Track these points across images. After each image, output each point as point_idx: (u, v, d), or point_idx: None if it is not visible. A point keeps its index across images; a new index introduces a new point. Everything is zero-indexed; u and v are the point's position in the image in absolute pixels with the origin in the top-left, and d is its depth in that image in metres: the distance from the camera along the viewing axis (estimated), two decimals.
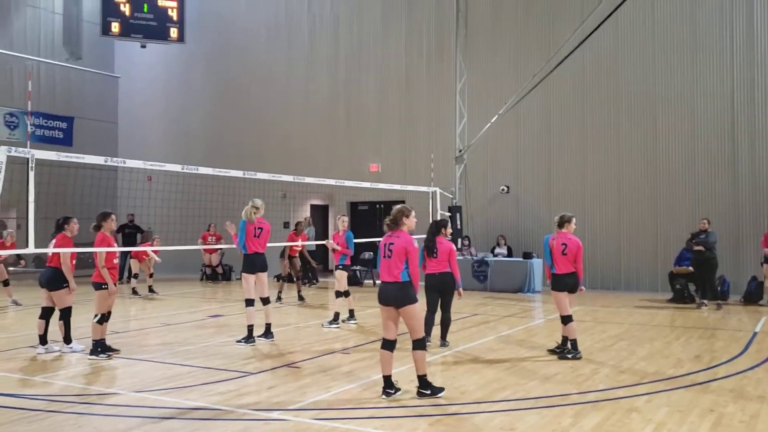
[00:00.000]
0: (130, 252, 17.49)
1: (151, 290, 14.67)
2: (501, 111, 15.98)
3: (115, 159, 8.04)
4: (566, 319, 7.68)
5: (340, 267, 10.26)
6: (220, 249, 18.50)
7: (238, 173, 10.02)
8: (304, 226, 14.48)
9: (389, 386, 5.92)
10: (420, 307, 5.89)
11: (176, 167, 8.88)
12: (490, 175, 17.22)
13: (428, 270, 7.99)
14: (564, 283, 7.62)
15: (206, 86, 21.80)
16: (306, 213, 20.16)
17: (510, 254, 16.14)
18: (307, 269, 16.70)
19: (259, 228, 8.68)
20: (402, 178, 17.93)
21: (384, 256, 5.95)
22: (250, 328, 8.56)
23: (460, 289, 8.10)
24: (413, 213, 6.09)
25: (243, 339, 8.57)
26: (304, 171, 16.91)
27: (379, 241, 6.25)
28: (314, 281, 16.98)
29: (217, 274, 18.77)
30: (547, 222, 15.52)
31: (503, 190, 16.90)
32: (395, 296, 5.87)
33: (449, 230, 8.39)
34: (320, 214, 21.62)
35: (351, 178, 15.35)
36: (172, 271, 20.43)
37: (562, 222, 7.82)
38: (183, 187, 15.62)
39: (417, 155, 18.19)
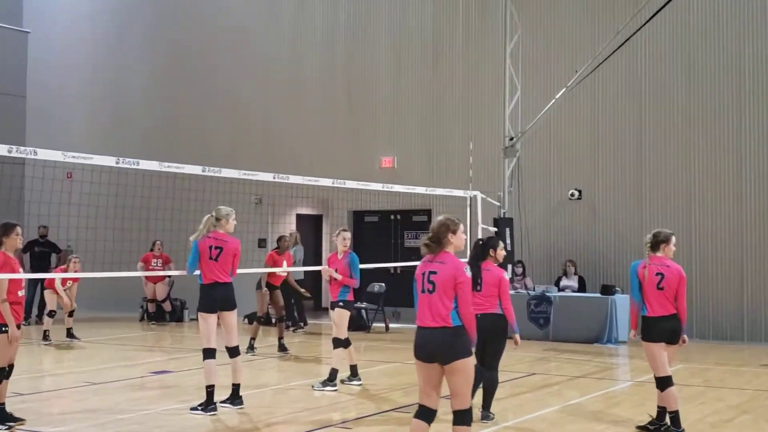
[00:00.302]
0: (42, 280, 17.65)
1: (70, 335, 14.68)
2: (570, 82, 15.96)
3: (22, 148, 7.97)
4: (663, 383, 7.55)
5: (340, 304, 10.26)
6: (169, 277, 18.53)
7: (196, 170, 9.99)
8: (289, 243, 14.45)
9: None
10: (473, 363, 5.83)
11: (108, 160, 8.89)
12: (555, 173, 17.21)
13: None
14: (660, 329, 7.51)
15: (151, 50, 21.97)
16: (291, 226, 20.17)
17: (583, 288, 16.08)
18: (293, 306, 16.68)
19: (217, 248, 8.65)
20: (427, 178, 17.94)
21: (423, 291, 5.87)
22: (210, 390, 8.50)
23: (517, 336, 8.06)
24: (462, 227, 5.98)
25: (200, 406, 8.52)
26: (288, 167, 16.92)
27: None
28: (302, 324, 16.97)
29: (164, 313, 18.81)
30: (636, 242, 15.45)
31: (573, 195, 16.89)
32: (442, 347, 5.73)
33: (501, 252, 8.27)
34: (311, 228, 21.66)
35: (354, 178, 15.32)
36: (101, 308, 20.52)
37: (657, 242, 7.69)
38: (117, 189, 15.65)
39: (448, 145, 18.23)
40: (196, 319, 18.76)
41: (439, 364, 5.74)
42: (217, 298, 8.61)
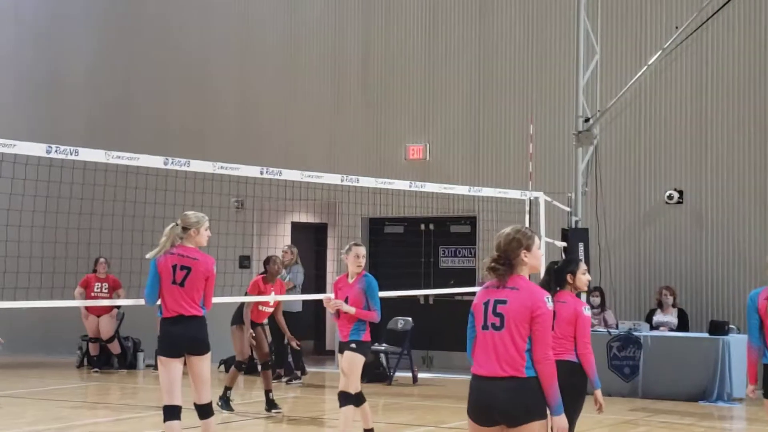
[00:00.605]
0: None
1: None
2: (668, 43, 16.04)
3: None
4: None
5: (352, 346, 10.42)
6: (118, 308, 18.82)
7: (155, 161, 10.22)
8: (280, 265, 14.74)
9: None
10: (547, 428, 5.91)
11: (37, 149, 9.09)
12: (646, 167, 17.27)
13: None
14: None
15: (98, 14, 22.25)
16: (285, 239, 20.42)
17: (684, 325, 16.12)
18: (286, 348, 16.91)
19: (183, 267, 8.82)
20: (471, 173, 18.05)
21: (486, 327, 5.90)
22: None
23: (598, 393, 8.13)
24: (538, 242, 6.08)
25: None
26: (280, 160, 17.17)
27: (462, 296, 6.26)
28: (298, 373, 17.19)
29: (111, 356, 19.09)
30: (760, 262, 15.49)
31: (671, 198, 16.98)
32: (511, 405, 5.76)
33: (583, 278, 8.29)
34: (311, 242, 21.81)
35: (372, 174, 15.54)
36: (25, 350, 20.74)
37: None
38: (50, 187, 15.93)
39: (500, 129, 18.32)
40: (155, 366, 19.06)
41: (504, 426, 5.78)
42: (182, 336, 8.75)
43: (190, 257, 8.85)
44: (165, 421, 8.73)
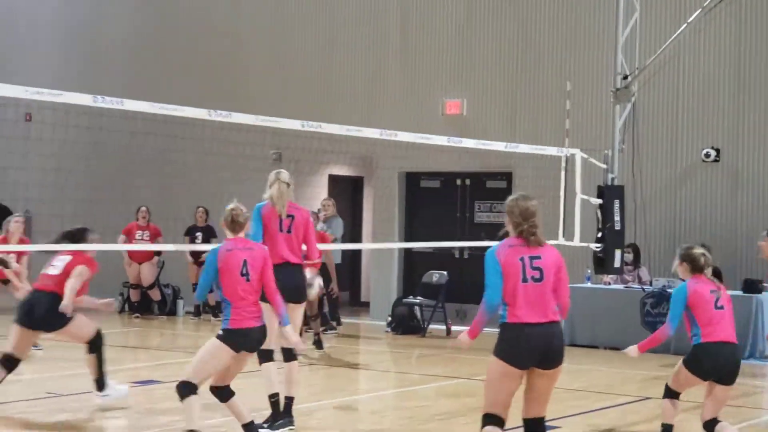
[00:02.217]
0: None
1: None
2: (707, 2, 15.84)
3: None
4: None
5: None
6: (157, 255, 18.85)
7: (199, 113, 10.20)
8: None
9: None
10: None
11: (82, 98, 9.09)
12: (684, 125, 17.15)
13: None
14: None
15: None
16: (322, 192, 20.37)
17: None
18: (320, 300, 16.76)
19: (289, 216, 8.93)
20: (508, 129, 17.94)
21: (526, 280, 6.55)
22: (274, 400, 8.78)
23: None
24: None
25: (265, 423, 8.71)
26: (318, 113, 17.10)
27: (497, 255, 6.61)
28: (333, 324, 17.17)
29: (151, 303, 19.21)
30: None
31: (708, 156, 16.85)
32: (556, 348, 6.62)
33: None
34: (347, 194, 21.81)
35: (409, 128, 15.44)
36: None
37: None
38: (91, 137, 15.98)
39: (537, 85, 18.20)
40: (194, 313, 19.03)
41: (539, 368, 6.54)
42: (286, 283, 8.59)
43: (293, 207, 9.14)
44: (261, 362, 8.77)
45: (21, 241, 13.78)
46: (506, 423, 6.71)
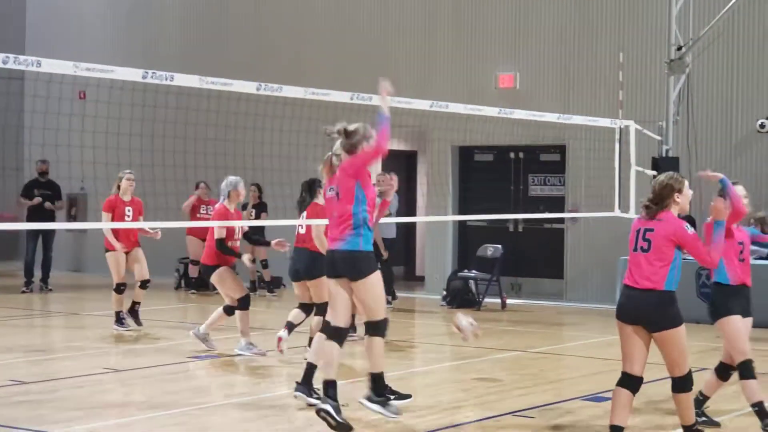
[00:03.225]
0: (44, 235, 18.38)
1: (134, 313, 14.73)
2: None
3: (21, 58, 8.23)
4: None
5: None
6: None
7: (248, 87, 10.20)
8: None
9: None
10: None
11: (133, 74, 9.12)
12: (739, 96, 17.01)
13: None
14: None
15: None
16: (375, 167, 20.36)
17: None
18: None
19: (331, 189, 8.44)
20: (561, 101, 17.84)
21: (636, 249, 7.26)
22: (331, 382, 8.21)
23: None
24: (687, 184, 7.35)
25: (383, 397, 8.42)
26: (371, 87, 17.02)
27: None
28: (389, 298, 17.18)
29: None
30: None
31: (764, 127, 16.68)
32: (648, 312, 7.15)
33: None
34: (401, 169, 21.80)
35: (461, 101, 15.37)
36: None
37: None
38: (145, 113, 16.05)
39: (591, 57, 18.10)
40: (250, 288, 19.01)
41: (644, 329, 7.18)
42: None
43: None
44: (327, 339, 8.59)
45: (133, 200, 13.60)
46: (638, 377, 7.26)
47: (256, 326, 12.62)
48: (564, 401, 8.91)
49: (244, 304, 11.77)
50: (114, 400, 9.52)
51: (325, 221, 9.43)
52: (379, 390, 8.19)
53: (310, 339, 10.95)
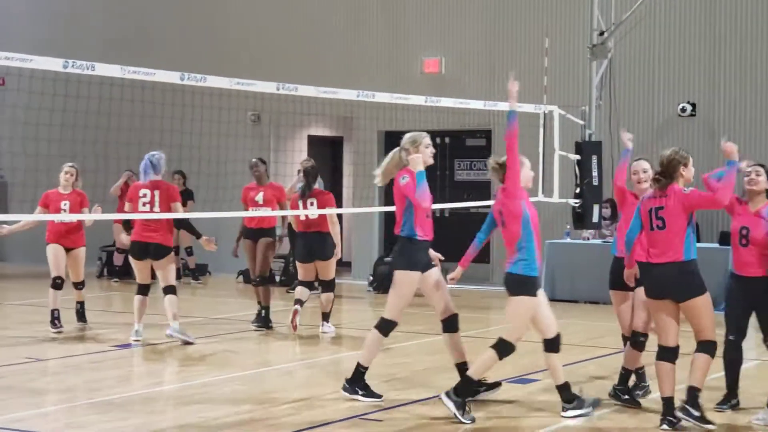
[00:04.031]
0: None
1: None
2: None
3: None
4: None
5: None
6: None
7: (172, 77, 10.12)
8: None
9: (670, 412, 7.65)
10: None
11: (53, 63, 9.00)
12: (660, 81, 17.19)
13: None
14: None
15: None
16: (301, 154, 20.29)
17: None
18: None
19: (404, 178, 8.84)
20: (486, 87, 17.90)
21: (652, 228, 7.69)
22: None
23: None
24: (691, 159, 7.80)
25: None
26: (297, 75, 17.01)
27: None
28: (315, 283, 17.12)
29: (130, 267, 18.80)
30: None
31: (684, 110, 16.88)
32: (675, 284, 7.58)
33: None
34: (327, 156, 21.74)
35: (387, 88, 15.37)
36: (44, 260, 20.80)
37: None
38: (66, 103, 15.82)
39: (515, 42, 18.18)
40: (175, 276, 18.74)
41: (672, 301, 7.59)
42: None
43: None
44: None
45: (73, 193, 12.85)
46: (674, 348, 7.68)
47: (181, 314, 12.46)
48: (491, 382, 8.93)
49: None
50: (36, 388, 9.38)
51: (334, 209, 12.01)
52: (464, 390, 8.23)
53: (324, 314, 12.49)
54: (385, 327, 8.87)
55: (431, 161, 9.00)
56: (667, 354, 7.68)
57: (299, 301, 12.24)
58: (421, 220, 8.81)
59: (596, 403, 8.26)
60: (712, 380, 8.90)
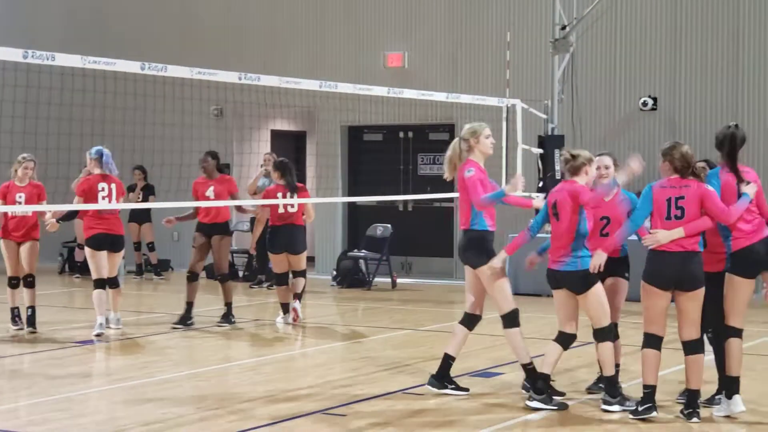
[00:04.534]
0: None
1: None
2: None
3: None
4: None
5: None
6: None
7: (132, 67, 10.04)
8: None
9: (650, 399, 7.78)
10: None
11: (12, 54, 8.90)
12: (622, 75, 17.23)
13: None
14: None
15: None
16: (265, 146, 20.22)
17: None
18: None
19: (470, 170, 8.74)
20: (449, 81, 17.89)
21: (669, 217, 7.71)
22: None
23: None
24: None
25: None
26: (261, 67, 16.94)
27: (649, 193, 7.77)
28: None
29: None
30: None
31: (646, 104, 16.94)
32: (689, 273, 7.69)
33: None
34: (290, 149, 21.66)
35: (350, 80, 15.33)
36: None
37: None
38: (26, 94, 15.68)
39: (478, 36, 18.16)
40: (136, 272, 18.76)
41: (678, 290, 7.71)
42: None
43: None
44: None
45: (30, 185, 12.55)
46: (662, 337, 7.82)
47: (143, 310, 12.43)
48: (454, 377, 8.94)
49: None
50: None
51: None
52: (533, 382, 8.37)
53: (296, 294, 12.72)
54: (512, 317, 8.62)
55: (491, 152, 8.89)
56: (655, 342, 7.80)
57: (297, 296, 12.71)
58: (491, 210, 8.71)
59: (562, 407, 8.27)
60: (671, 374, 9.00)
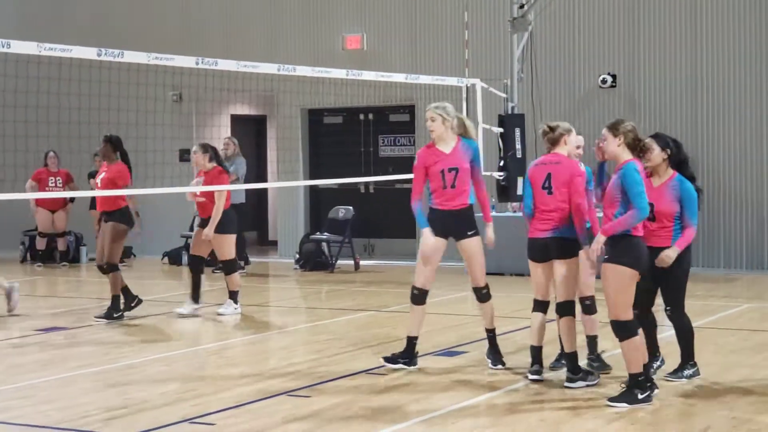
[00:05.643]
0: None
1: None
2: None
3: None
4: None
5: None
6: (70, 201, 18.44)
7: (88, 53, 10.00)
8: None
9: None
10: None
11: None
12: (581, 52, 17.31)
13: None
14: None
15: None
16: (225, 131, 20.18)
17: None
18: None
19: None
20: (409, 62, 17.91)
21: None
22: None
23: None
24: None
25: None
26: (219, 52, 16.86)
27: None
28: (241, 264, 16.99)
29: (54, 251, 18.71)
30: (691, 142, 15.64)
31: (605, 82, 17.03)
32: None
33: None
34: (251, 134, 21.66)
35: (309, 63, 15.33)
36: None
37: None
38: None
39: (436, 16, 18.19)
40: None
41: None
42: None
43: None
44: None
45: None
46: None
47: (105, 297, 12.35)
48: (419, 357, 9.00)
49: None
50: None
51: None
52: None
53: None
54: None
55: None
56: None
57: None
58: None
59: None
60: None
